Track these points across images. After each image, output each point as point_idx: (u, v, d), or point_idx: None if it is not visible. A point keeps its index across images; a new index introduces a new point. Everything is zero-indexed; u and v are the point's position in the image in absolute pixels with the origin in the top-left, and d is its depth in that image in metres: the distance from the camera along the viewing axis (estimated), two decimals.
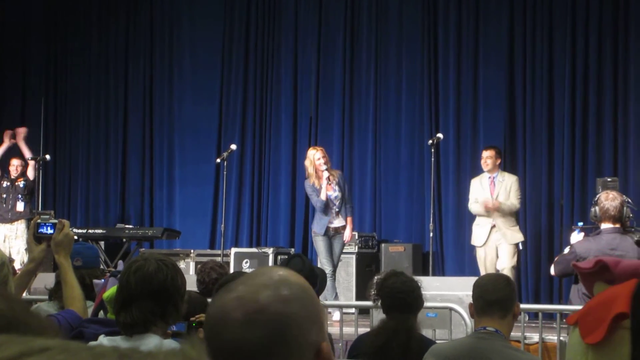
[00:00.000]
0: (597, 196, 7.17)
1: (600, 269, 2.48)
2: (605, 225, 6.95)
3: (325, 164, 10.35)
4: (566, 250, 7.24)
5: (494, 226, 10.42)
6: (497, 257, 10.39)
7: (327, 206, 10.38)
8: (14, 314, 1.34)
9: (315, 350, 1.57)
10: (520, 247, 10.60)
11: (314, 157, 10.40)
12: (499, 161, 10.62)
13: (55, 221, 4.17)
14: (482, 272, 10.11)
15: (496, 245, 10.39)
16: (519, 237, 10.52)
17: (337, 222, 10.47)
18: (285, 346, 1.54)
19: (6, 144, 12.66)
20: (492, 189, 10.51)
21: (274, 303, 1.56)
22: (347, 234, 10.53)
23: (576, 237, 7.70)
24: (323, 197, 10.36)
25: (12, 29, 14.88)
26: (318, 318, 1.62)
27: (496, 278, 4.46)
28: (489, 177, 10.59)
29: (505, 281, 4.31)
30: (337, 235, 10.45)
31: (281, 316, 1.55)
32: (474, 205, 10.61)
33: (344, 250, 11.46)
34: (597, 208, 7.00)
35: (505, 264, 10.26)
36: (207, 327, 1.59)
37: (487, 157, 10.58)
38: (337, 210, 10.44)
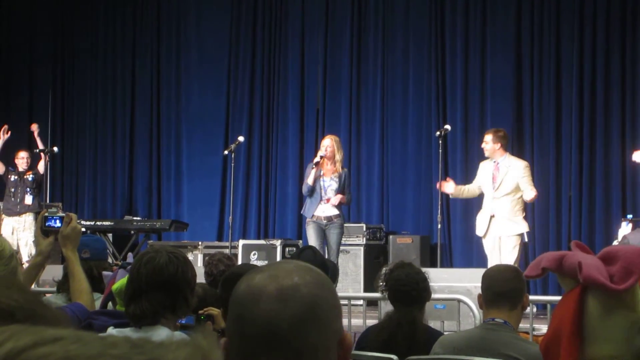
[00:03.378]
0: None
1: (549, 272, 2.44)
2: None
3: (328, 152, 10.29)
4: (615, 243, 7.18)
5: (493, 216, 9.87)
6: (500, 249, 9.86)
7: (313, 190, 10.34)
8: (30, 306, 1.36)
9: (339, 339, 1.59)
10: (526, 239, 9.96)
11: (323, 143, 10.44)
12: (498, 145, 9.81)
13: (63, 215, 4.18)
14: (489, 263, 9.97)
15: (498, 237, 9.85)
16: (519, 228, 9.82)
17: (329, 211, 10.28)
18: (317, 327, 1.56)
19: (3, 137, 12.61)
20: (496, 174, 9.89)
21: (307, 284, 1.58)
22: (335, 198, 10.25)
23: (625, 228, 7.70)
24: (310, 181, 10.32)
25: (19, 21, 14.89)
26: (340, 308, 1.65)
27: (505, 269, 4.46)
28: (494, 162, 9.92)
29: (514, 272, 4.31)
30: (330, 224, 10.30)
31: (314, 297, 1.57)
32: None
33: (352, 242, 11.45)
34: None
35: (507, 259, 9.63)
36: (236, 305, 1.58)
37: (485, 141, 9.97)
38: (327, 197, 10.34)
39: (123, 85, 14.48)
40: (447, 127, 10.96)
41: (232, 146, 11.54)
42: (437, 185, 10.37)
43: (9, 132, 12.61)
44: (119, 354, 0.85)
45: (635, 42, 11.55)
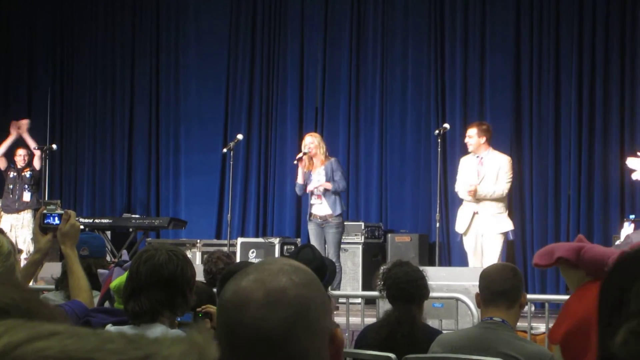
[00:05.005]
0: None
1: (563, 262, 2.42)
2: None
3: (312, 149, 10.33)
4: (618, 242, 7.15)
5: (476, 213, 9.58)
6: (483, 247, 9.59)
7: (305, 188, 10.38)
8: (26, 304, 1.35)
9: (329, 336, 1.59)
10: (510, 237, 9.73)
11: (305, 141, 10.49)
12: (484, 139, 9.65)
13: (62, 212, 4.17)
14: (470, 262, 9.73)
15: (480, 235, 9.57)
16: (505, 225, 9.59)
17: (322, 210, 10.30)
18: (306, 328, 1.55)
19: (13, 136, 12.66)
20: (480, 169, 9.67)
21: (294, 286, 1.57)
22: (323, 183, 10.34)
23: (627, 228, 7.68)
24: (299, 180, 10.40)
25: (18, 18, 14.89)
26: (329, 305, 1.65)
27: (502, 268, 4.45)
28: (477, 157, 9.73)
29: (512, 271, 4.30)
30: (326, 223, 10.33)
31: (302, 299, 1.56)
32: (460, 188, 9.86)
33: (350, 240, 11.44)
34: None
35: (490, 258, 9.34)
36: (224, 312, 1.58)
37: (468, 135, 9.75)
38: (317, 194, 10.35)
39: (122, 83, 14.48)
40: (446, 125, 10.94)
41: (231, 144, 11.54)
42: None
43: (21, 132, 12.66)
44: (115, 348, 0.85)
45: (635, 40, 11.55)
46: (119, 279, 3.84)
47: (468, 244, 9.79)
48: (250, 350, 1.53)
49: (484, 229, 9.59)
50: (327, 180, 10.29)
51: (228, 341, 1.55)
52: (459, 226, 9.86)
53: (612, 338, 1.10)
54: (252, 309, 1.54)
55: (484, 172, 9.68)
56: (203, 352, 0.88)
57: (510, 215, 10.57)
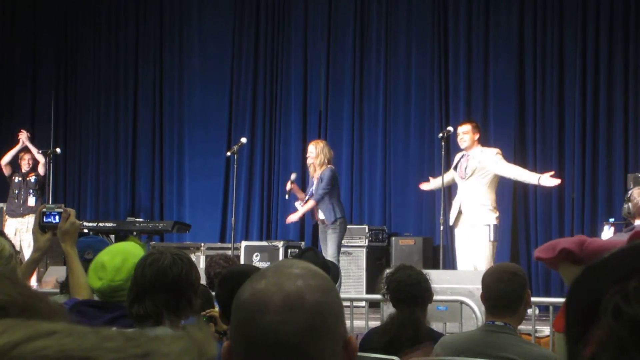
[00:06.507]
0: (630, 192, 6.98)
1: (566, 255, 2.40)
2: (639, 221, 6.83)
3: (312, 159, 10.27)
4: None
5: (461, 205, 9.48)
6: (471, 240, 9.40)
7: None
8: (23, 300, 1.34)
9: (343, 342, 1.59)
10: (492, 238, 9.36)
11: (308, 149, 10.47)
12: (477, 135, 9.60)
13: (61, 210, 4.15)
14: (458, 260, 9.62)
15: (466, 232, 9.44)
16: (487, 218, 9.34)
17: (321, 215, 10.25)
18: (323, 334, 1.55)
19: (19, 145, 12.69)
20: (465, 162, 9.60)
21: (313, 291, 1.57)
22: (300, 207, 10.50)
23: (607, 232, 7.65)
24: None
25: (22, 23, 14.90)
26: (344, 311, 1.65)
27: (502, 277, 4.19)
28: (464, 155, 9.66)
29: (512, 281, 4.12)
30: (325, 227, 10.29)
31: (320, 304, 1.56)
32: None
33: (354, 244, 11.44)
34: (630, 204, 6.82)
35: (479, 259, 9.22)
36: (240, 313, 1.57)
37: (463, 132, 9.63)
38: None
39: (125, 87, 14.49)
40: (450, 128, 10.88)
41: (235, 147, 11.54)
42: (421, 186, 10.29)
43: (27, 140, 12.68)
44: (114, 346, 0.84)
45: (638, 43, 11.54)
46: (101, 253, 3.84)
47: (457, 238, 9.66)
48: (266, 353, 1.53)
49: (470, 220, 9.43)
50: (316, 189, 10.29)
51: (244, 343, 1.55)
52: (451, 219, 9.75)
53: (581, 352, 1.08)
54: (270, 314, 1.53)
55: (470, 164, 9.56)
56: (202, 349, 0.88)
57: (514, 217, 10.55)
